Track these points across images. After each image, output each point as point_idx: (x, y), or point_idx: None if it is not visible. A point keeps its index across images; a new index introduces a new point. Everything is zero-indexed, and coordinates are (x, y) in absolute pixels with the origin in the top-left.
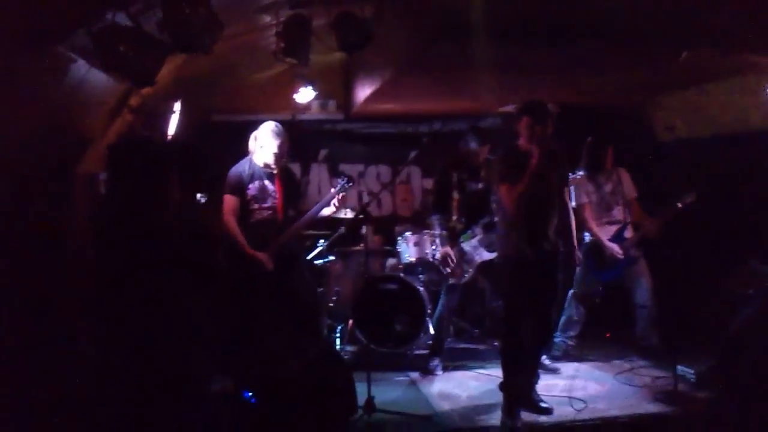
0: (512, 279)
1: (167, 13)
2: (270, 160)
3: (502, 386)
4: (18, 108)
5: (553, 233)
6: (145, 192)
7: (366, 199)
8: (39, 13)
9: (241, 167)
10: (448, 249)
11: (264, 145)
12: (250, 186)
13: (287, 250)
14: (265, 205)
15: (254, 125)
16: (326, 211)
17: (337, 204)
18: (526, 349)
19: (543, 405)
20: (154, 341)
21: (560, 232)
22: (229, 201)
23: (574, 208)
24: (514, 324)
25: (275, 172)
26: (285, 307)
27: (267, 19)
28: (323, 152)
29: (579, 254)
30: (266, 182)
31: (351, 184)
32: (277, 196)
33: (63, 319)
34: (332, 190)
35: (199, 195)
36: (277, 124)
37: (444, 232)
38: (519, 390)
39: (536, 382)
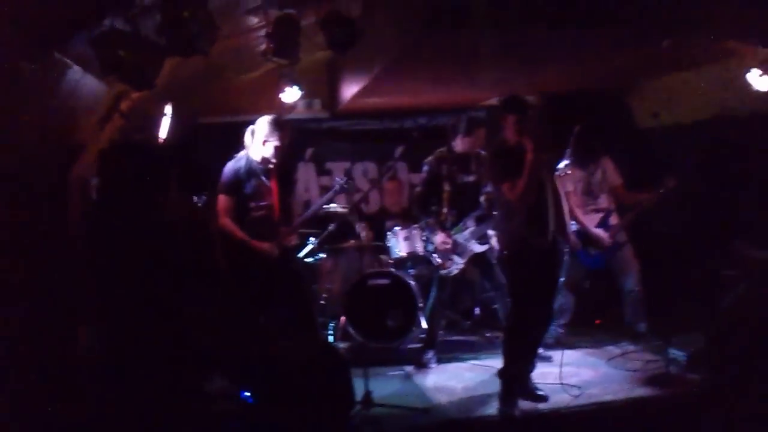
0: (519, 270)
1: (165, 16)
2: (270, 154)
3: (501, 373)
4: (14, 113)
5: (553, 221)
6: (140, 195)
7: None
8: (37, 19)
9: (237, 164)
10: (443, 236)
11: (265, 139)
12: (247, 184)
13: (282, 247)
14: (262, 203)
15: (240, 126)
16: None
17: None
18: (530, 337)
19: (539, 393)
20: (152, 343)
21: (555, 219)
22: (224, 201)
23: None
24: (522, 314)
25: (272, 167)
26: (282, 305)
27: (255, 20)
28: (309, 151)
29: (574, 238)
30: (263, 179)
31: (350, 184)
32: (273, 193)
33: (58, 321)
34: (334, 188)
35: (196, 198)
36: (278, 116)
37: (431, 219)
38: (517, 378)
39: (532, 371)
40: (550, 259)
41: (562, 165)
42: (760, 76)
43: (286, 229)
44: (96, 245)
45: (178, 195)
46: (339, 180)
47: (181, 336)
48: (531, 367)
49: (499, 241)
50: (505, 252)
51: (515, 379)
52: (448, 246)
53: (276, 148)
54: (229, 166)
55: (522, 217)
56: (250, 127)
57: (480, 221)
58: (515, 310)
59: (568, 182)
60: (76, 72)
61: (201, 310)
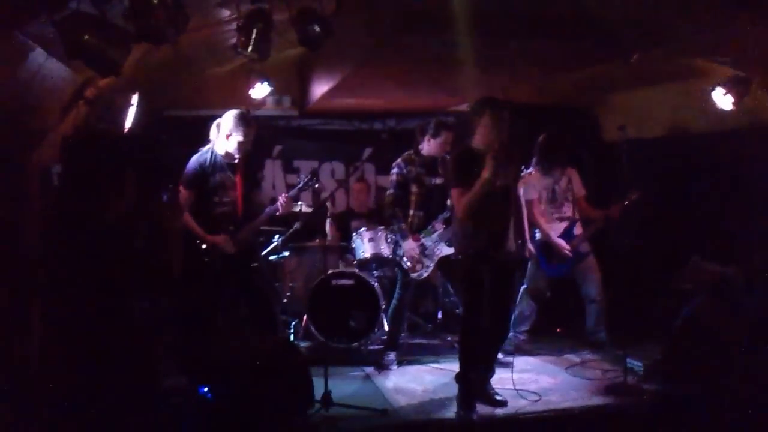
0: (470, 276)
1: (133, 2)
2: (233, 149)
3: (458, 378)
4: None
5: (512, 232)
6: (100, 187)
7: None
8: None
9: (202, 158)
10: (412, 243)
11: (229, 133)
12: (211, 178)
13: (245, 243)
14: (225, 199)
15: (207, 120)
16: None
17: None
18: (484, 343)
19: (498, 398)
20: (106, 338)
21: (515, 228)
22: (183, 194)
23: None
24: (472, 320)
25: (236, 162)
26: (242, 302)
27: (226, 13)
28: (277, 148)
29: (531, 247)
30: (227, 174)
31: (316, 180)
32: (237, 189)
33: (11, 314)
34: (297, 185)
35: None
36: (244, 111)
37: (402, 225)
38: (475, 382)
39: (491, 376)
40: (504, 269)
41: (528, 172)
42: (724, 95)
43: (245, 228)
44: (56, 236)
45: (138, 189)
46: (303, 177)
47: (135, 331)
48: (490, 373)
49: (453, 246)
50: (459, 256)
51: (472, 383)
52: (417, 250)
53: (239, 143)
54: (193, 160)
55: (474, 225)
56: (216, 121)
57: (448, 223)
58: (464, 315)
59: (533, 190)
60: (39, 54)
61: (156, 305)
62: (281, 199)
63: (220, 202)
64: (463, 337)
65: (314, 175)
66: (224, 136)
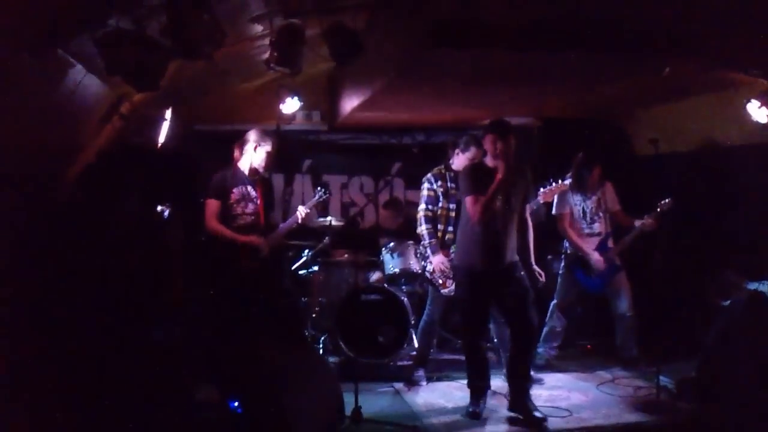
0: (467, 287)
1: (171, 18)
2: (260, 160)
3: (468, 383)
4: (15, 109)
5: (512, 248)
6: (109, 200)
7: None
8: (42, 15)
9: (226, 172)
10: (442, 258)
11: (257, 144)
12: (234, 190)
13: (275, 249)
14: (248, 210)
15: (238, 135)
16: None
17: (309, 211)
18: (483, 350)
19: (536, 414)
20: (132, 357)
21: (520, 248)
22: (211, 204)
23: (554, 216)
24: (469, 330)
25: (257, 178)
26: (270, 314)
27: (259, 28)
28: (307, 162)
29: (539, 270)
30: (249, 188)
31: (327, 194)
32: (259, 201)
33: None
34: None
35: (160, 207)
36: (267, 130)
37: (433, 240)
38: (482, 387)
39: (530, 386)
40: (504, 281)
41: (563, 183)
42: (759, 107)
43: (273, 235)
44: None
45: (138, 204)
46: (318, 191)
47: (161, 349)
48: (528, 383)
49: (455, 253)
50: (457, 264)
51: (480, 389)
52: (447, 265)
53: (267, 153)
54: (217, 174)
55: (478, 236)
56: (242, 139)
57: None
58: (462, 326)
59: (566, 204)
60: (78, 71)
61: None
62: (300, 211)
63: (243, 214)
64: (462, 347)
65: (324, 189)
66: (252, 149)
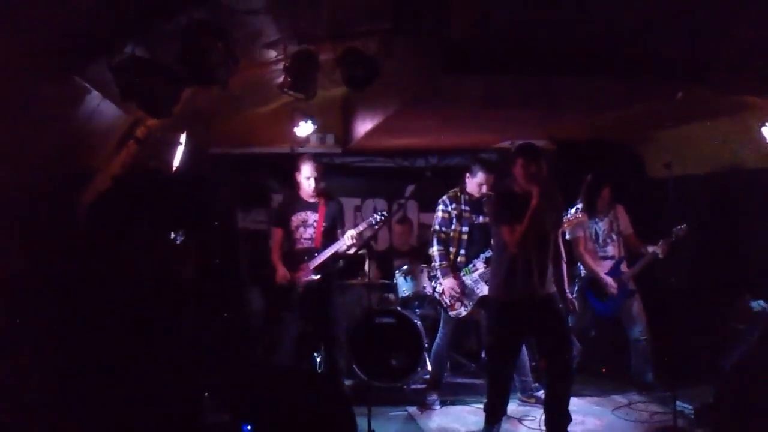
0: (502, 320)
1: (186, 45)
2: (308, 191)
3: (485, 406)
4: (33, 134)
5: (549, 278)
6: (123, 226)
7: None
8: (59, 42)
9: (287, 199)
10: (452, 281)
11: (299, 172)
12: (293, 217)
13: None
14: (305, 236)
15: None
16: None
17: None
18: (507, 379)
19: None
20: (145, 378)
21: (554, 277)
22: (275, 233)
23: (568, 241)
24: (498, 357)
25: (317, 202)
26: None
27: (272, 54)
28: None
29: (573, 299)
30: (308, 213)
31: (382, 219)
32: (317, 226)
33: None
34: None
35: (173, 234)
36: (310, 155)
37: (444, 262)
38: (497, 411)
39: (568, 423)
40: (540, 313)
41: (572, 210)
42: None
43: (314, 259)
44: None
45: (150, 233)
46: (377, 216)
47: (176, 368)
48: (566, 420)
49: (488, 283)
50: (492, 296)
51: (494, 411)
52: (458, 288)
53: (307, 179)
54: (280, 202)
55: (514, 265)
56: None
57: (489, 263)
58: (488, 355)
59: (579, 228)
60: (95, 97)
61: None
62: (351, 235)
63: (301, 239)
64: (487, 372)
65: (382, 213)
66: (305, 177)
